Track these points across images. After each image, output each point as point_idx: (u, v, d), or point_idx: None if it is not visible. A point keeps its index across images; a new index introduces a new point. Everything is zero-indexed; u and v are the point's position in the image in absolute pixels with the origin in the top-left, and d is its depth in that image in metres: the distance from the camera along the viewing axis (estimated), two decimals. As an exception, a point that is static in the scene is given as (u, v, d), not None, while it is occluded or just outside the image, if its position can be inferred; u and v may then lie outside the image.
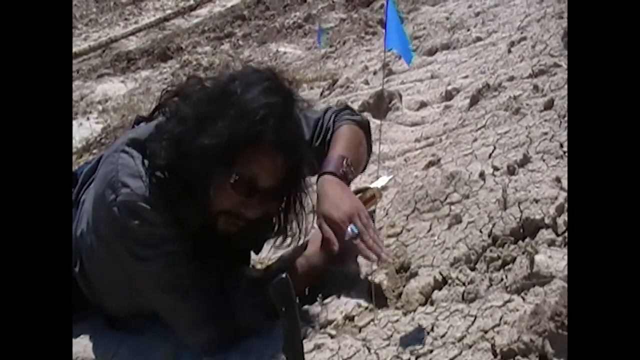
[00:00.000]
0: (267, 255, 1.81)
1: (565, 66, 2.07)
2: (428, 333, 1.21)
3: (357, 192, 1.84)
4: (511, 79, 2.26)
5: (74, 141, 4.31)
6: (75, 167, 1.86)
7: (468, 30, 3.56)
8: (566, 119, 1.67)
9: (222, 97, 1.36)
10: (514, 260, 1.32)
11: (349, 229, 1.42)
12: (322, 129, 1.61)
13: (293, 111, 1.41)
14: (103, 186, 1.39)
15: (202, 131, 1.33)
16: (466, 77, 2.80)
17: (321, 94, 3.50)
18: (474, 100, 2.24)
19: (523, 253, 1.31)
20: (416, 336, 1.21)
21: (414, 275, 1.41)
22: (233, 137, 1.31)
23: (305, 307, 1.47)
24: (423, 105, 2.72)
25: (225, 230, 1.40)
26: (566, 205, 1.34)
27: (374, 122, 2.44)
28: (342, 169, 1.51)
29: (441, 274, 1.38)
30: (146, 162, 1.38)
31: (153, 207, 1.35)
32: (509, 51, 2.67)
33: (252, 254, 1.76)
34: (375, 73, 3.50)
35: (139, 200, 1.34)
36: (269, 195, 1.38)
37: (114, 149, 1.44)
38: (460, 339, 1.16)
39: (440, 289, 1.35)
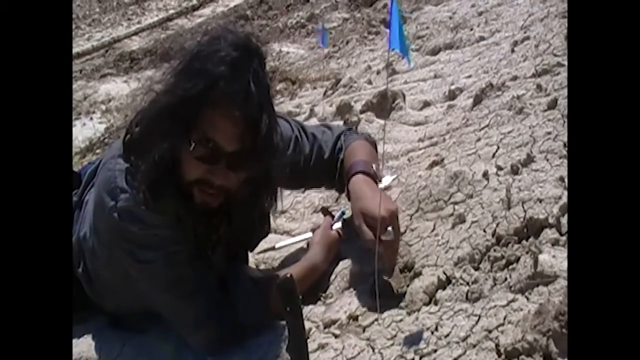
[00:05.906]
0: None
1: (568, 66, 2.07)
2: (432, 332, 1.21)
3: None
4: (514, 78, 2.25)
5: (77, 141, 4.33)
6: (78, 167, 1.86)
7: (471, 29, 3.55)
8: (570, 118, 1.68)
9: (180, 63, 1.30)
10: (517, 259, 1.31)
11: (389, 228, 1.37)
12: (335, 145, 1.65)
13: (252, 66, 1.26)
14: (102, 193, 1.38)
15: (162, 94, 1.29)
16: (469, 76, 2.79)
17: (324, 94, 3.49)
18: (478, 100, 2.24)
19: (527, 253, 1.31)
20: (420, 336, 1.21)
21: (418, 274, 1.41)
22: (185, 98, 1.24)
23: (310, 306, 1.47)
24: (426, 104, 2.71)
25: (203, 202, 1.33)
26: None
27: (378, 122, 2.45)
28: (372, 170, 1.52)
29: (445, 274, 1.38)
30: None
31: (153, 209, 1.34)
32: (512, 51, 2.66)
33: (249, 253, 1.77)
34: (378, 73, 3.49)
35: (138, 204, 1.34)
36: (236, 162, 1.29)
37: (111, 155, 1.43)
38: (464, 339, 1.16)
39: (444, 288, 1.35)
